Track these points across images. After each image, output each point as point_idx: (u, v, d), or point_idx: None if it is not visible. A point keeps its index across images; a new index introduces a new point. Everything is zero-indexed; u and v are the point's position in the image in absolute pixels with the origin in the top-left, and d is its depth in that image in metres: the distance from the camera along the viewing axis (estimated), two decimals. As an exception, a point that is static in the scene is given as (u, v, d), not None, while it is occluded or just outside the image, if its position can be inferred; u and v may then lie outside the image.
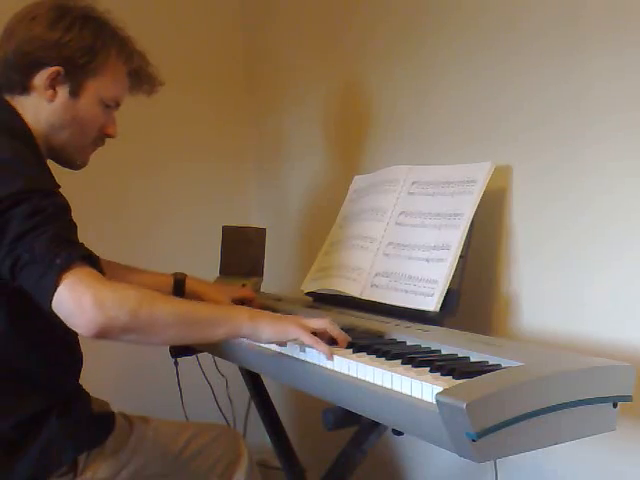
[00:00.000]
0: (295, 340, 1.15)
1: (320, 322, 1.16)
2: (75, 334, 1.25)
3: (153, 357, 1.80)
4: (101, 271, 1.08)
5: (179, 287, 1.52)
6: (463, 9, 1.52)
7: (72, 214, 1.13)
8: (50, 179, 1.16)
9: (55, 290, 1.02)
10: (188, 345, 1.54)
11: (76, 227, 1.12)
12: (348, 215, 1.66)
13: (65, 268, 1.02)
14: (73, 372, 1.27)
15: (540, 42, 1.35)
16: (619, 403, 0.94)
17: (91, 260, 1.07)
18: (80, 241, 1.11)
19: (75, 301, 1.02)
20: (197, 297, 1.51)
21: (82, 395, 1.28)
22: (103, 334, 1.03)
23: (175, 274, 1.55)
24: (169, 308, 1.09)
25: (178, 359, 1.65)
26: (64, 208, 1.12)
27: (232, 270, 1.78)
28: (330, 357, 1.10)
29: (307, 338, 1.12)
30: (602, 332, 1.26)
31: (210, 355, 1.70)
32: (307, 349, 1.16)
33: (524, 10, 1.38)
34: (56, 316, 1.06)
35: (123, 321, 1.03)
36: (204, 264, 1.78)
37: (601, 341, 1.26)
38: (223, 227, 1.81)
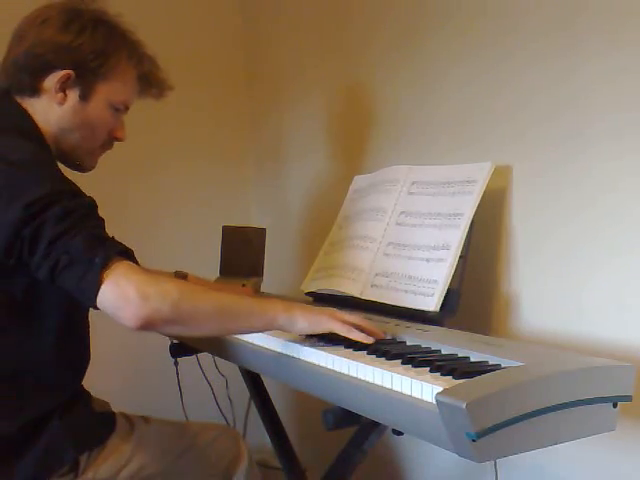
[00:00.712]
0: (328, 330, 1.16)
1: (354, 317, 1.19)
2: (87, 337, 1.27)
3: (153, 357, 1.80)
4: (137, 262, 1.10)
5: None
6: (463, 10, 1.52)
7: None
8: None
9: (99, 288, 1.03)
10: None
11: (104, 222, 1.13)
12: (348, 215, 1.66)
13: (105, 266, 1.04)
14: (80, 374, 1.28)
15: (539, 42, 1.35)
16: (619, 403, 0.94)
17: (127, 254, 1.09)
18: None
19: (120, 296, 1.03)
20: None
21: (83, 395, 1.28)
22: (148, 325, 1.04)
23: (176, 272, 1.55)
24: (209, 300, 1.11)
25: (178, 359, 1.65)
26: (92, 206, 1.13)
27: (232, 270, 1.78)
28: (369, 341, 1.14)
29: (340, 327, 1.14)
30: (602, 332, 1.26)
31: (210, 355, 1.70)
32: (307, 349, 1.16)
33: (523, 11, 1.38)
34: (67, 319, 1.09)
35: (166, 312, 1.05)
36: (204, 264, 1.78)
37: (601, 341, 1.26)
38: (223, 227, 1.81)
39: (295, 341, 1.20)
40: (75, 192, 1.12)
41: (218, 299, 1.12)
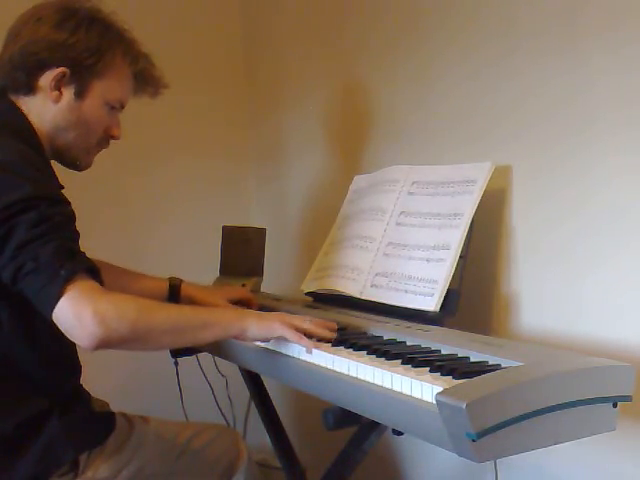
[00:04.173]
0: (280, 337, 1.19)
1: (304, 321, 1.20)
2: None
3: (153, 357, 1.79)
4: (102, 282, 1.10)
5: (174, 292, 1.52)
6: (462, 8, 1.52)
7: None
8: (55, 182, 1.17)
9: (57, 301, 1.03)
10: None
11: (79, 236, 1.13)
12: (348, 215, 1.66)
13: (68, 279, 1.04)
14: (75, 372, 1.28)
15: (539, 41, 1.35)
16: (619, 403, 0.94)
17: (93, 272, 1.09)
18: (82, 250, 1.12)
19: (76, 315, 1.04)
20: (192, 302, 1.51)
21: (83, 395, 1.28)
22: (102, 346, 1.06)
23: (170, 279, 1.54)
24: (164, 317, 1.13)
25: (178, 359, 1.66)
26: (70, 217, 1.13)
27: (232, 270, 1.78)
28: (310, 350, 1.14)
29: (290, 334, 1.17)
30: (602, 332, 1.26)
31: (210, 355, 1.70)
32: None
33: (522, 9, 1.38)
34: None
35: (122, 333, 1.06)
36: (204, 264, 1.78)
37: (601, 341, 1.26)
38: (223, 227, 1.81)
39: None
40: (56, 199, 1.12)
41: (173, 314, 1.15)
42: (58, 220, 1.08)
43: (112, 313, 1.05)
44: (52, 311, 1.04)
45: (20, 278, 1.05)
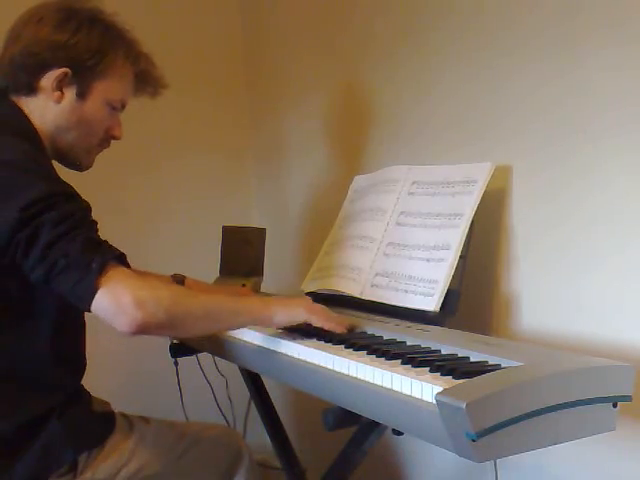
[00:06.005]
0: (306, 321, 1.23)
1: (325, 308, 1.26)
2: (82, 336, 1.27)
3: (153, 357, 1.80)
4: (129, 267, 1.12)
5: None
6: (461, 8, 1.52)
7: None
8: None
9: (95, 294, 1.05)
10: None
11: (97, 225, 1.15)
12: (348, 215, 1.66)
13: (102, 271, 1.06)
14: (78, 372, 1.28)
15: (538, 41, 1.35)
16: (619, 403, 0.94)
17: (122, 259, 1.11)
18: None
19: (116, 303, 1.06)
20: None
21: (83, 395, 1.28)
22: (142, 331, 1.07)
23: (174, 275, 1.55)
24: (199, 303, 1.16)
25: (178, 359, 1.66)
26: (87, 209, 1.14)
27: (232, 270, 1.78)
28: (343, 330, 1.22)
29: (316, 319, 1.22)
30: (601, 332, 1.26)
31: (210, 355, 1.70)
32: (307, 349, 1.16)
33: (521, 8, 1.38)
34: (62, 318, 1.10)
35: (160, 318, 1.08)
36: (204, 264, 1.78)
37: (601, 341, 1.26)
38: (223, 227, 1.81)
39: (295, 341, 1.20)
40: (70, 194, 1.13)
41: (207, 301, 1.18)
42: (79, 215, 1.10)
43: (149, 298, 1.07)
44: (90, 304, 1.06)
45: (53, 277, 1.06)
